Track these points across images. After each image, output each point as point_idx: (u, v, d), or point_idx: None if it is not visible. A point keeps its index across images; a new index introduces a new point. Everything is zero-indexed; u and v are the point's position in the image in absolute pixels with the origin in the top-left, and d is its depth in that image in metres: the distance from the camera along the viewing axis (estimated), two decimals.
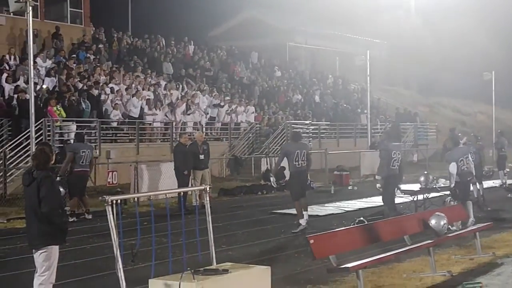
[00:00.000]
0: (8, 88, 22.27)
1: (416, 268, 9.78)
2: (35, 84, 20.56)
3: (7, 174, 18.72)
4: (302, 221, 13.50)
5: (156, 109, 25.38)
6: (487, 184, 19.97)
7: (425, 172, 15.38)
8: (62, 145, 20.54)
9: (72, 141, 19.67)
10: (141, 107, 24.75)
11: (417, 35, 50.14)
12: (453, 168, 13.15)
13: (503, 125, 39.40)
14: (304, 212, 13.62)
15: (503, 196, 19.71)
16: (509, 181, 21.94)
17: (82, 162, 15.46)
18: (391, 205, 13.69)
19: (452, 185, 13.28)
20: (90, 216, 15.53)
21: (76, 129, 21.68)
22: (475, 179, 14.77)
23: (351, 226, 11.28)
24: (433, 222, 9.83)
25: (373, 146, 25.93)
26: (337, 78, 42.88)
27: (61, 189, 14.11)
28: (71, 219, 15.05)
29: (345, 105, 37.81)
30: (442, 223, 9.83)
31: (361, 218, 13.47)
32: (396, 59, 50.38)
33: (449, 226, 10.87)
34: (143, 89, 26.04)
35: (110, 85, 25.22)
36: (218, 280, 6.82)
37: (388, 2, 49.42)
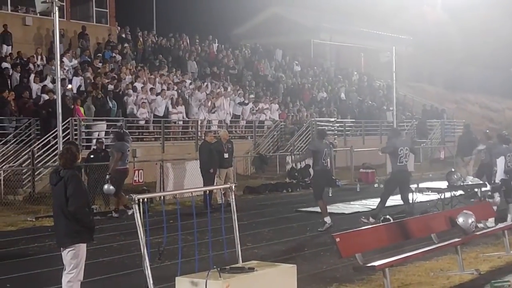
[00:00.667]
0: (35, 88, 22.53)
1: (443, 266, 9.70)
2: (63, 80, 20.81)
3: (35, 173, 18.93)
4: (327, 219, 13.46)
5: (180, 107, 25.45)
6: None
7: (452, 170, 15.21)
8: (90, 144, 20.78)
9: (103, 140, 19.93)
10: (166, 106, 24.87)
11: (443, 30, 49.56)
12: (501, 162, 13.00)
13: None
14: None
15: None
16: None
17: (127, 160, 16.06)
18: (384, 201, 13.85)
19: (498, 180, 13.09)
20: (117, 215, 15.70)
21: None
22: None
23: (377, 224, 11.21)
24: (460, 220, 9.73)
25: None
26: (362, 75, 42.60)
27: (112, 187, 14.85)
28: (115, 215, 15.61)
29: (370, 102, 37.54)
30: (470, 221, 9.73)
31: (387, 216, 13.41)
32: (422, 55, 49.84)
33: (477, 224, 10.75)
34: (167, 88, 26.15)
35: (135, 84, 25.37)
36: (244, 278, 6.83)
37: None
